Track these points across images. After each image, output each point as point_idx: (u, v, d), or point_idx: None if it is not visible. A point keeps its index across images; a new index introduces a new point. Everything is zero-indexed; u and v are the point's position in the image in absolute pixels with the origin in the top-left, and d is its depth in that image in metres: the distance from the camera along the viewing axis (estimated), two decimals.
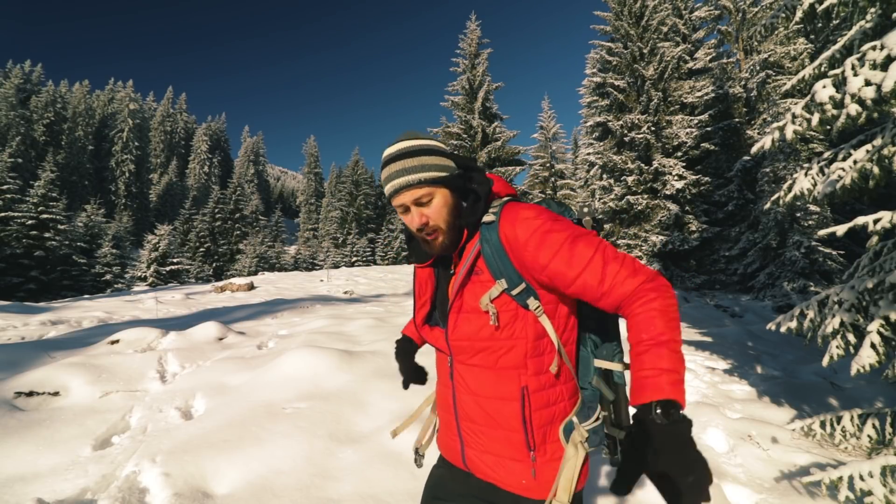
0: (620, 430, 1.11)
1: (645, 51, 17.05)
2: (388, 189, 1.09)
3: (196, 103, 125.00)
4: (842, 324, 2.99)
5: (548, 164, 26.96)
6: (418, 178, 1.05)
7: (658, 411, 0.82)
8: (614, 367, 1.15)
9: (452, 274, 1.17)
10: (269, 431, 2.82)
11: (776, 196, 3.64)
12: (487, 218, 1.10)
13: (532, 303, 1.07)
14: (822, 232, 3.05)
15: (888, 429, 2.83)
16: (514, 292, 1.06)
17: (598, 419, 1.15)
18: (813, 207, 12.44)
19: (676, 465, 0.78)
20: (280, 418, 2.99)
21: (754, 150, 3.38)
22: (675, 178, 16.07)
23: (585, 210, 1.26)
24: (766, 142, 3.30)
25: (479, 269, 1.10)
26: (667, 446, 0.79)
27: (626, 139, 17.09)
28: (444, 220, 1.09)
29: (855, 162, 2.86)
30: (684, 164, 16.57)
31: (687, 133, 16.48)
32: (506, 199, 1.17)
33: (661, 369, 0.85)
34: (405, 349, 1.45)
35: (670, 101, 17.13)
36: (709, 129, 16.51)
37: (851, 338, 2.95)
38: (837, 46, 3.33)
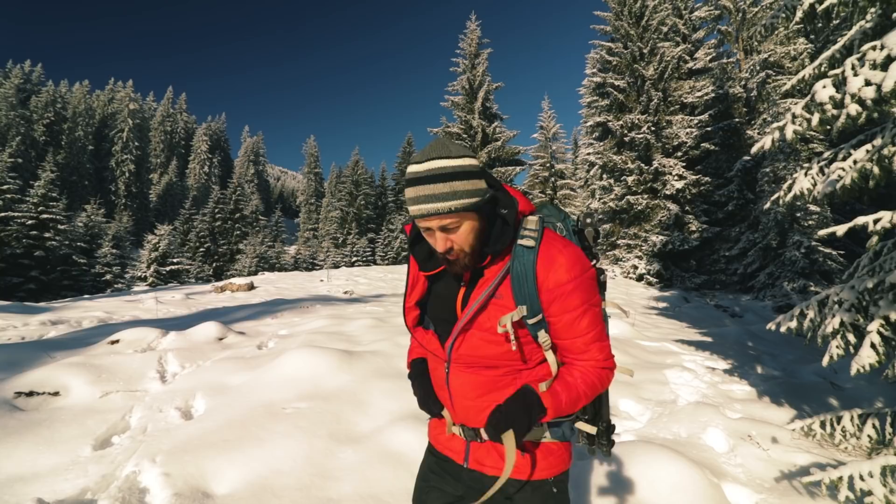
0: (601, 425, 1.21)
1: (645, 51, 17.05)
2: (414, 210, 1.01)
3: (196, 103, 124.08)
4: (842, 324, 2.99)
5: (548, 164, 26.95)
6: (449, 207, 0.99)
7: (530, 397, 1.08)
8: None
9: (462, 285, 1.15)
10: (269, 431, 2.82)
11: (776, 196, 3.64)
12: (528, 242, 1.07)
13: (542, 336, 1.09)
14: (822, 232, 3.05)
15: (888, 429, 2.84)
16: (531, 321, 1.07)
17: (570, 414, 1.18)
18: (813, 207, 12.44)
19: (504, 411, 1.07)
20: (280, 418, 2.99)
21: (754, 150, 3.38)
22: (675, 178, 16.06)
23: (588, 221, 1.24)
24: (766, 142, 3.30)
25: (500, 294, 1.08)
26: (512, 404, 1.07)
27: (626, 139, 17.09)
28: (470, 244, 1.06)
29: (855, 162, 2.86)
30: (684, 164, 16.56)
31: (687, 133, 16.46)
32: (536, 219, 1.11)
33: (560, 399, 1.08)
34: (422, 371, 1.31)
35: (670, 101, 17.12)
36: (709, 129, 16.50)
37: (851, 338, 2.95)
38: (837, 46, 3.33)
